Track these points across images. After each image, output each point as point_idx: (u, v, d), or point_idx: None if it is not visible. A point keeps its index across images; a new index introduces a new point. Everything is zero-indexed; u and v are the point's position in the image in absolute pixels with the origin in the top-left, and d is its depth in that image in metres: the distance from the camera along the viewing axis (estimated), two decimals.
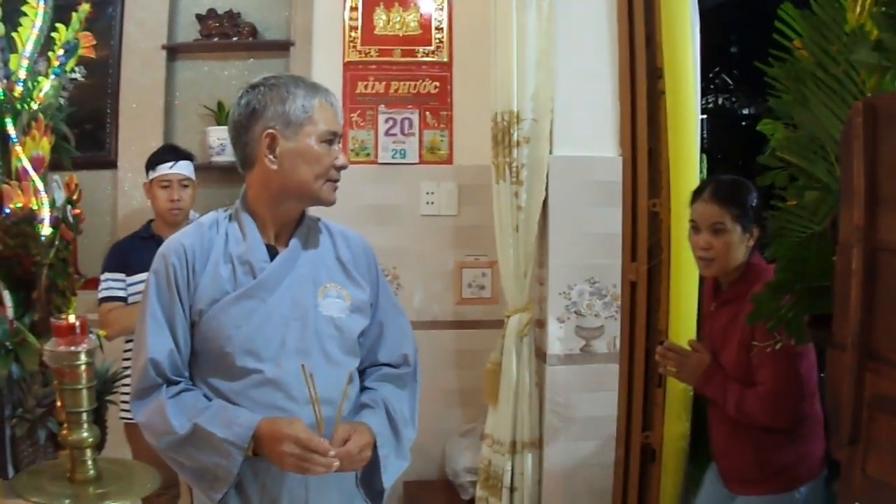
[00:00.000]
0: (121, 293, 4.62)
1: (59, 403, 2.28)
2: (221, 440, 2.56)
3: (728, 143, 8.22)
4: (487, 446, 4.64)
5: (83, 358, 2.22)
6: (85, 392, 2.24)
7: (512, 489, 4.56)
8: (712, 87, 9.61)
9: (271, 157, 2.73)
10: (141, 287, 4.34)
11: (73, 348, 2.21)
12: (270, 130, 2.71)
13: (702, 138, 10.08)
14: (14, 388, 2.84)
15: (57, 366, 2.23)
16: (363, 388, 2.92)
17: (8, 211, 2.86)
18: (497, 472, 4.58)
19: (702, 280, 4.08)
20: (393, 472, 2.86)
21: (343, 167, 2.80)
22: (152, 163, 4.90)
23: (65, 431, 2.27)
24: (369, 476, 2.84)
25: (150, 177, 4.87)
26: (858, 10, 2.44)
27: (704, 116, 10.40)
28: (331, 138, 2.77)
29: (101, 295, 4.61)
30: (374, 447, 2.76)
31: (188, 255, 2.72)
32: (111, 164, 5.64)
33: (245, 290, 2.70)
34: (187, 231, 2.83)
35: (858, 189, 2.09)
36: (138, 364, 2.68)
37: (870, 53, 2.39)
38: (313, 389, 2.60)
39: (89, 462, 2.29)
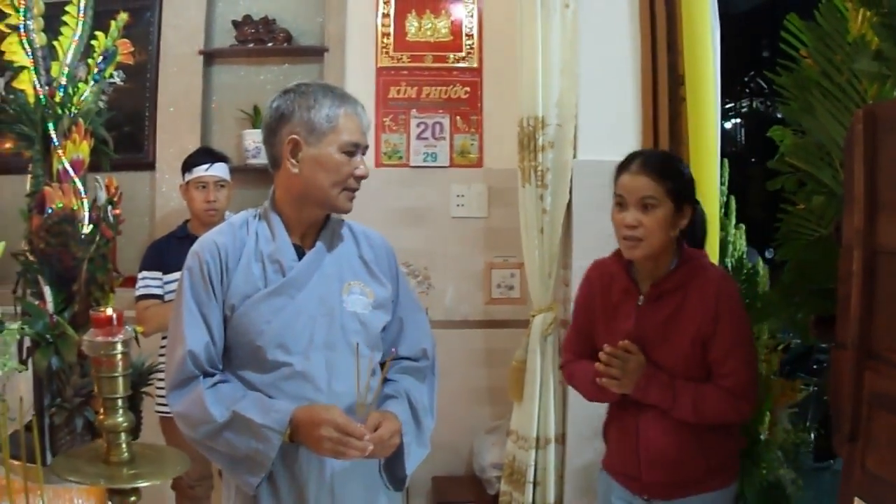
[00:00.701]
0: (157, 291, 4.72)
1: (96, 390, 2.39)
2: (260, 426, 2.67)
3: (763, 145, 8.27)
4: (512, 442, 4.75)
5: (119, 348, 2.34)
6: (120, 380, 2.35)
7: (535, 484, 4.68)
8: (747, 90, 9.65)
9: (293, 161, 2.84)
10: (177, 285, 4.50)
11: (110, 339, 2.33)
12: (294, 136, 2.82)
13: (736, 141, 10.10)
14: (53, 378, 2.96)
15: (95, 355, 2.34)
16: (385, 381, 2.99)
17: (50, 211, 2.96)
18: (521, 467, 4.69)
19: (597, 274, 3.46)
20: (415, 460, 2.95)
21: (362, 177, 2.89)
22: (189, 165, 5.00)
23: (101, 416, 2.37)
24: (392, 463, 2.93)
25: (187, 178, 4.98)
26: (860, 20, 2.53)
27: (738, 120, 10.47)
28: (352, 149, 2.85)
29: (138, 293, 4.71)
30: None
31: (221, 252, 2.84)
32: (149, 166, 5.73)
33: (275, 287, 2.81)
34: (220, 230, 2.94)
35: (858, 194, 2.15)
36: (175, 356, 2.80)
37: (870, 63, 2.48)
38: (359, 369, 2.74)
39: (124, 445, 2.40)
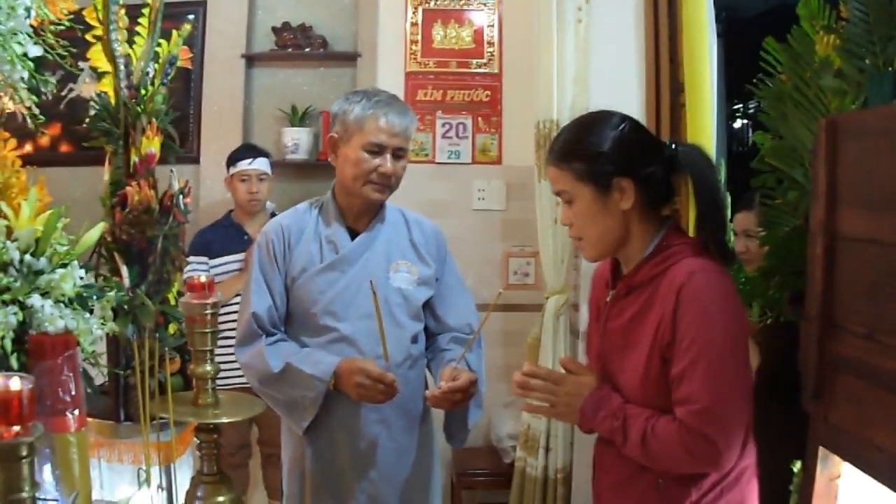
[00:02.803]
0: (204, 275, 4.97)
1: (189, 344, 2.79)
2: (309, 376, 3.07)
3: None
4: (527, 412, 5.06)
5: (210, 308, 2.77)
6: (209, 335, 2.76)
7: (547, 449, 4.97)
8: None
9: (333, 155, 3.26)
10: (222, 269, 4.89)
11: (203, 301, 2.76)
12: (334, 134, 3.22)
13: (744, 141, 10.23)
14: (129, 344, 3.22)
15: (189, 314, 2.74)
16: (442, 350, 3.33)
17: (129, 207, 3.27)
18: (535, 434, 4.98)
19: (601, 268, 2.84)
20: (475, 416, 3.28)
21: (385, 174, 3.17)
22: (233, 159, 5.32)
23: (192, 366, 2.78)
24: (457, 420, 3.27)
25: (231, 172, 5.30)
26: (825, 44, 2.85)
27: (746, 121, 10.62)
28: (375, 149, 3.15)
29: (185, 276, 4.97)
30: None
31: (285, 233, 3.25)
32: (194, 160, 6.00)
33: (329, 263, 3.21)
34: (286, 214, 3.34)
35: (821, 190, 2.33)
36: (243, 317, 3.22)
37: (833, 80, 2.73)
38: (377, 301, 3.05)
39: (209, 390, 2.82)
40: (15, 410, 1.60)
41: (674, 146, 2.58)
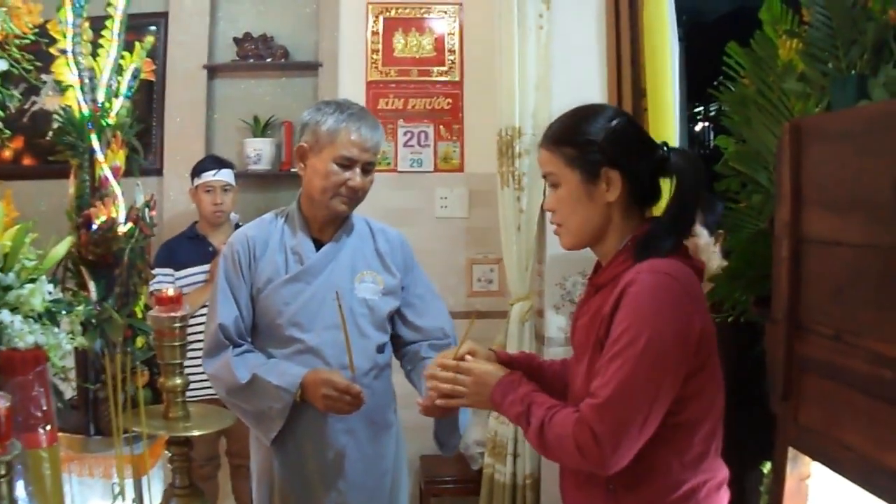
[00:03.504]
0: (170, 287, 4.93)
1: (158, 357, 2.78)
2: (276, 387, 3.08)
3: None
4: (494, 418, 5.05)
5: (178, 322, 2.76)
6: (178, 348, 2.76)
7: (515, 456, 4.99)
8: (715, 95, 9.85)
9: (301, 164, 3.26)
10: (188, 281, 4.88)
11: (172, 314, 2.75)
12: (303, 144, 3.22)
13: (705, 143, 10.27)
14: (96, 358, 3.22)
15: (158, 328, 2.74)
16: (422, 358, 3.30)
17: (95, 227, 3.23)
18: (502, 440, 5.00)
19: None
20: (465, 421, 3.29)
21: (353, 188, 3.19)
22: (197, 170, 5.29)
23: (162, 379, 2.78)
24: (452, 425, 3.24)
25: (196, 183, 5.27)
26: (788, 48, 2.87)
27: (707, 124, 10.69)
28: (346, 162, 3.16)
29: (151, 289, 4.95)
30: None
31: (251, 243, 3.26)
32: (157, 172, 5.97)
33: (294, 274, 3.22)
34: (251, 224, 3.35)
35: (786, 192, 2.35)
36: (210, 328, 3.23)
37: (796, 83, 2.74)
38: (342, 312, 3.08)
39: (180, 403, 2.82)
40: None
41: (666, 148, 2.56)
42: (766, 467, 3.29)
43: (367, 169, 3.23)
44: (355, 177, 3.19)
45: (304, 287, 3.22)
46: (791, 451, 2.38)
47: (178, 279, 5.15)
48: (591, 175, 2.44)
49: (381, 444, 3.34)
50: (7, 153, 5.85)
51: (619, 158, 2.45)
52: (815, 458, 2.31)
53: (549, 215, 2.62)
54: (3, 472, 1.60)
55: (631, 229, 2.49)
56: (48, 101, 5.74)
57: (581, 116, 2.53)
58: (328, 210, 3.25)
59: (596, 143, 2.44)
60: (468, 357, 2.62)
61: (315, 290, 3.22)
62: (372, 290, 3.29)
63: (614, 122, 2.50)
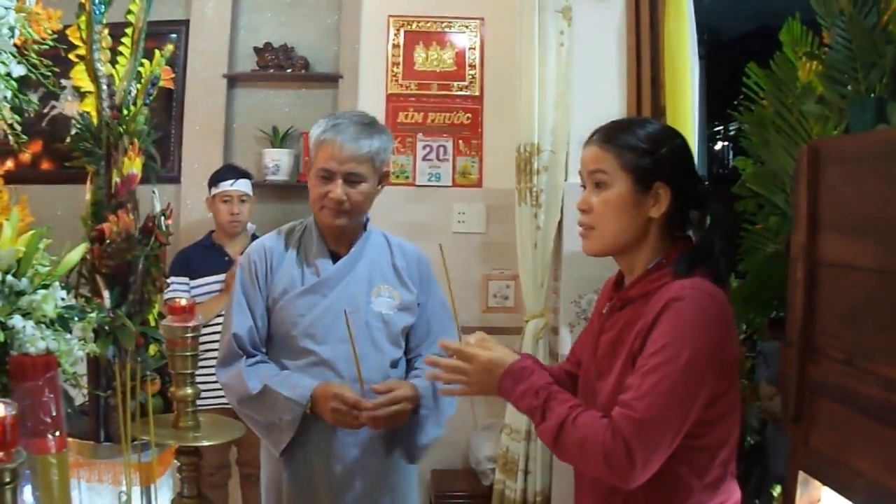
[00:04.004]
0: (185, 296, 4.84)
1: (169, 367, 2.78)
2: (286, 398, 3.08)
3: None
4: (506, 435, 5.01)
5: (190, 332, 2.76)
6: (190, 358, 2.75)
7: (526, 472, 4.95)
8: (736, 113, 9.79)
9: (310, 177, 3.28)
10: (203, 290, 4.88)
11: (184, 324, 2.75)
12: (307, 157, 3.26)
13: (724, 163, 10.22)
14: (108, 365, 3.25)
15: (170, 337, 2.74)
16: (414, 368, 3.31)
17: (108, 241, 3.27)
18: (514, 457, 4.95)
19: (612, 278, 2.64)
20: (430, 435, 3.25)
21: (334, 200, 3.14)
22: (215, 180, 5.29)
23: (173, 389, 2.77)
24: (407, 435, 3.23)
25: (213, 192, 5.27)
26: (807, 70, 2.88)
27: (727, 143, 10.64)
28: (326, 175, 3.15)
29: (166, 297, 4.92)
30: (417, 408, 3.16)
31: (268, 254, 3.27)
32: (175, 180, 5.96)
33: (309, 286, 3.21)
34: (269, 236, 3.35)
35: (802, 215, 2.38)
36: (224, 338, 3.24)
37: (815, 105, 2.76)
38: (349, 327, 3.04)
39: (190, 413, 2.81)
40: None
41: (707, 184, 2.48)
42: (777, 490, 3.29)
43: (351, 180, 3.17)
44: (335, 189, 3.16)
45: (320, 299, 3.21)
46: (801, 475, 2.39)
47: (192, 288, 5.15)
48: (644, 185, 2.36)
49: (391, 458, 3.31)
50: (25, 157, 5.86)
51: (673, 177, 2.37)
52: (825, 483, 2.33)
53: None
54: (8, 479, 1.59)
55: (663, 249, 2.41)
56: (67, 106, 5.76)
57: (645, 126, 2.46)
58: (322, 223, 3.26)
59: (657, 155, 2.37)
60: (471, 340, 2.54)
61: (330, 303, 3.20)
62: (388, 304, 3.27)
63: (678, 141, 2.45)
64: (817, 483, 2.37)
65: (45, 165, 6.02)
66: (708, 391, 2.20)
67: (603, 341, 2.46)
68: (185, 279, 5.17)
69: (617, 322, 2.42)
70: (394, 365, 3.29)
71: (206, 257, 5.24)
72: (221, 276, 5.12)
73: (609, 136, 2.42)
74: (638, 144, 2.37)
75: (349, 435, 3.17)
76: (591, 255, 2.50)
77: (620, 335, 2.37)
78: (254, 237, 5.24)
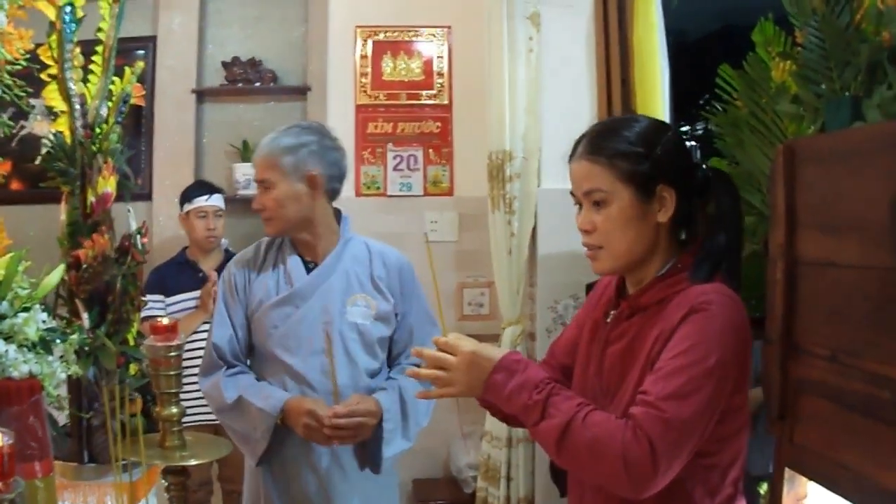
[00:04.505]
0: (160, 313, 4.89)
1: (154, 387, 2.76)
2: (259, 409, 3.11)
3: None
4: (487, 442, 5.02)
5: (174, 351, 2.75)
6: (174, 377, 2.74)
7: (509, 479, 4.95)
8: (702, 113, 9.85)
9: None
10: (179, 307, 4.87)
11: (167, 343, 2.73)
12: None
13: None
14: (90, 385, 3.27)
15: (154, 356, 2.73)
16: (387, 378, 3.32)
17: (85, 266, 3.27)
18: (495, 464, 4.96)
19: (603, 282, 2.52)
20: (395, 448, 3.25)
21: (256, 209, 3.25)
22: (188, 196, 5.27)
23: (158, 408, 2.76)
24: (371, 445, 3.21)
25: (187, 209, 5.24)
26: (781, 70, 2.89)
27: (694, 143, 10.70)
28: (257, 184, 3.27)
29: (142, 315, 4.88)
30: (381, 421, 3.16)
31: (247, 266, 3.30)
32: (146, 197, 5.95)
33: (282, 297, 3.23)
34: (250, 248, 3.38)
35: (780, 214, 2.37)
36: (206, 348, 3.29)
37: (790, 105, 2.77)
38: (329, 346, 3.10)
39: (176, 432, 2.80)
40: None
41: (705, 167, 2.30)
42: (763, 488, 3.29)
43: (265, 186, 3.23)
44: (258, 197, 3.24)
45: (293, 311, 3.22)
46: (788, 472, 2.40)
47: (168, 305, 5.13)
48: (647, 192, 2.18)
49: (367, 469, 3.30)
50: None
51: (674, 176, 2.20)
52: (811, 478, 2.34)
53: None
54: None
55: (673, 252, 2.25)
56: (37, 125, 5.72)
57: (632, 125, 2.26)
58: None
59: (654, 156, 2.19)
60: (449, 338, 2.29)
61: (303, 314, 3.21)
62: (363, 314, 3.26)
63: (670, 134, 2.26)
64: (803, 480, 2.37)
65: (15, 186, 5.98)
66: (727, 402, 2.07)
67: (611, 353, 2.26)
68: (161, 297, 5.15)
69: (627, 331, 2.23)
70: (372, 375, 3.28)
71: (181, 274, 5.22)
72: (196, 293, 5.11)
73: (596, 145, 2.23)
74: (630, 149, 2.19)
75: (324, 450, 3.19)
76: (604, 274, 2.37)
77: (632, 345, 2.19)
78: (227, 252, 5.23)
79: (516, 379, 2.14)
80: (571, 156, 2.29)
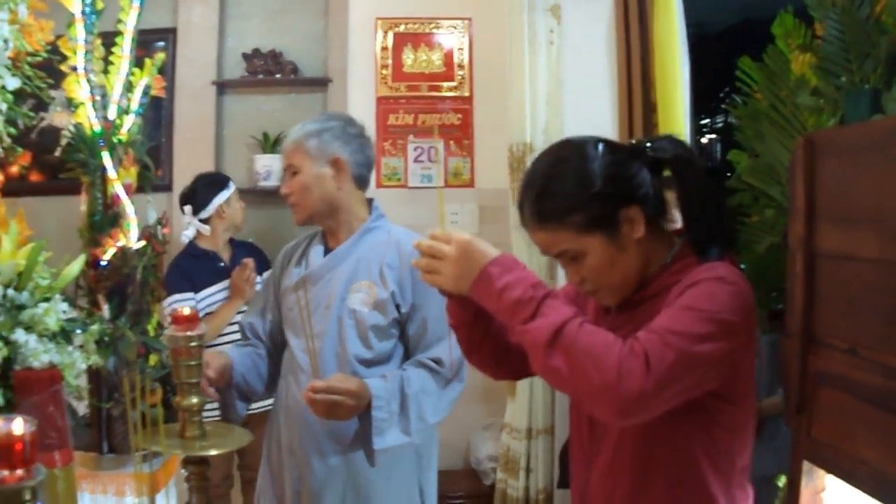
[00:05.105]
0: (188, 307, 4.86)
1: (174, 377, 2.77)
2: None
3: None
4: (507, 434, 5.06)
5: (195, 341, 2.75)
6: (195, 367, 2.75)
7: (528, 470, 4.98)
8: (723, 106, 9.81)
9: None
10: (211, 299, 4.85)
11: (188, 333, 2.74)
12: None
13: (712, 156, 10.27)
14: (109, 376, 3.21)
15: (175, 346, 2.73)
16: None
17: (105, 263, 3.24)
18: (515, 456, 4.99)
19: None
20: (389, 440, 3.09)
21: (283, 195, 3.30)
22: (223, 183, 5.22)
23: (178, 398, 2.77)
24: (363, 436, 3.11)
25: (225, 195, 5.16)
26: (800, 62, 2.89)
27: (714, 136, 10.68)
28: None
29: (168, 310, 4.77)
30: (370, 409, 3.03)
31: (288, 254, 3.42)
32: (167, 188, 5.90)
33: (297, 281, 3.28)
34: (298, 237, 3.49)
35: (800, 207, 2.35)
36: None
37: (809, 98, 2.79)
38: (308, 325, 3.09)
39: (196, 422, 2.80)
40: (18, 454, 1.57)
41: (648, 144, 2.22)
42: (781, 481, 3.28)
43: (291, 172, 3.27)
44: (284, 183, 3.29)
45: (303, 295, 3.21)
46: (806, 465, 2.38)
47: (200, 300, 5.02)
48: (612, 226, 2.12)
49: (351, 460, 3.21)
50: (14, 169, 5.83)
51: (626, 193, 2.13)
52: (829, 472, 2.33)
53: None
54: (28, 497, 1.58)
55: (665, 245, 2.21)
56: (57, 117, 5.74)
57: (564, 171, 2.17)
58: None
59: (600, 191, 2.11)
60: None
61: (310, 298, 3.21)
62: (362, 300, 3.22)
63: (602, 156, 2.15)
64: (822, 472, 2.36)
65: (35, 177, 6.00)
66: (731, 368, 2.05)
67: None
68: (190, 293, 5.02)
69: (632, 319, 2.16)
70: (366, 364, 3.19)
71: (204, 266, 5.13)
72: (225, 283, 5.08)
73: (540, 213, 2.17)
74: (573, 200, 2.12)
75: (309, 438, 3.20)
76: (615, 304, 2.26)
77: (640, 328, 2.01)
78: (231, 242, 5.23)
79: (513, 274, 2.04)
80: (526, 227, 2.23)
